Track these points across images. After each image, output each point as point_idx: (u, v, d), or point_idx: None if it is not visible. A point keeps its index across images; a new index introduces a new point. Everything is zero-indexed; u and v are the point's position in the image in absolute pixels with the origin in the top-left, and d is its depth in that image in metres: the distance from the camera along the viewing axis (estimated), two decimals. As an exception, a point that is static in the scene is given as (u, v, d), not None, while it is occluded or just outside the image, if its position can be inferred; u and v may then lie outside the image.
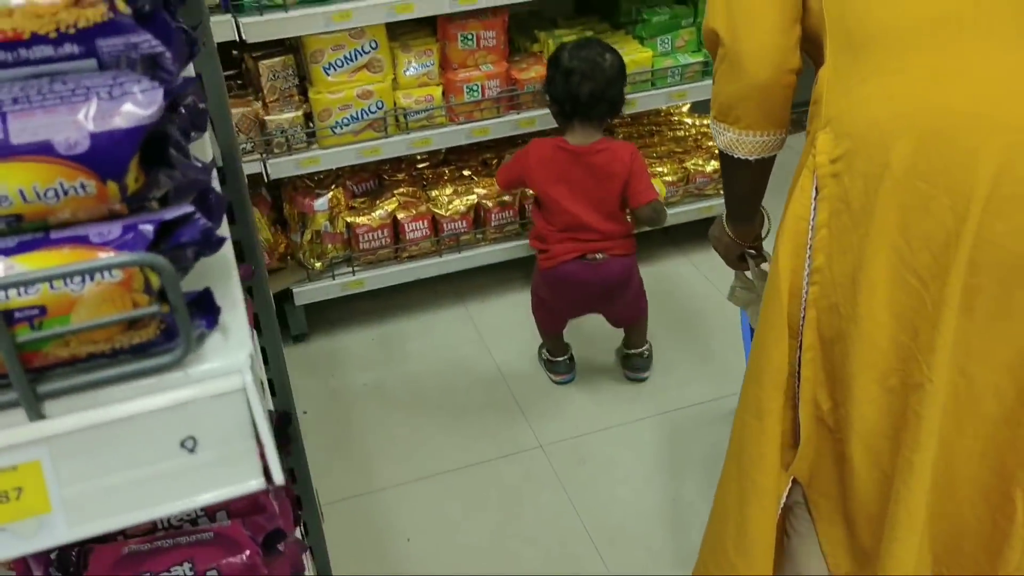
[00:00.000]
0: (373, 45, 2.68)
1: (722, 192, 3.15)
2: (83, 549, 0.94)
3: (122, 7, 0.65)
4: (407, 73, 2.76)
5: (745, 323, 2.33)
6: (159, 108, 0.63)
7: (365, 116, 2.74)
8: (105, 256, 0.62)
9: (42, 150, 0.61)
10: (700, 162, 3.12)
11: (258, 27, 2.48)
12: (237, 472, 0.67)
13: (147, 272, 0.63)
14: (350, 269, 2.94)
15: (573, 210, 2.49)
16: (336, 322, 3.07)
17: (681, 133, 3.31)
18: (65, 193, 0.62)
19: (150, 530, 0.99)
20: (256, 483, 0.67)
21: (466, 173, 3.10)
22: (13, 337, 0.61)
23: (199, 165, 0.71)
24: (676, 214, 3.13)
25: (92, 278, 0.62)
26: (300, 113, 2.73)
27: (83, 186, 0.62)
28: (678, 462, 2.49)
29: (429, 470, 2.50)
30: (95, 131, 0.62)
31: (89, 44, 0.65)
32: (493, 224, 3.00)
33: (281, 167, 2.72)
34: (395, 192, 2.98)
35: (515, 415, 2.67)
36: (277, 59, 2.71)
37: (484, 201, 2.97)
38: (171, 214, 0.65)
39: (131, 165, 0.63)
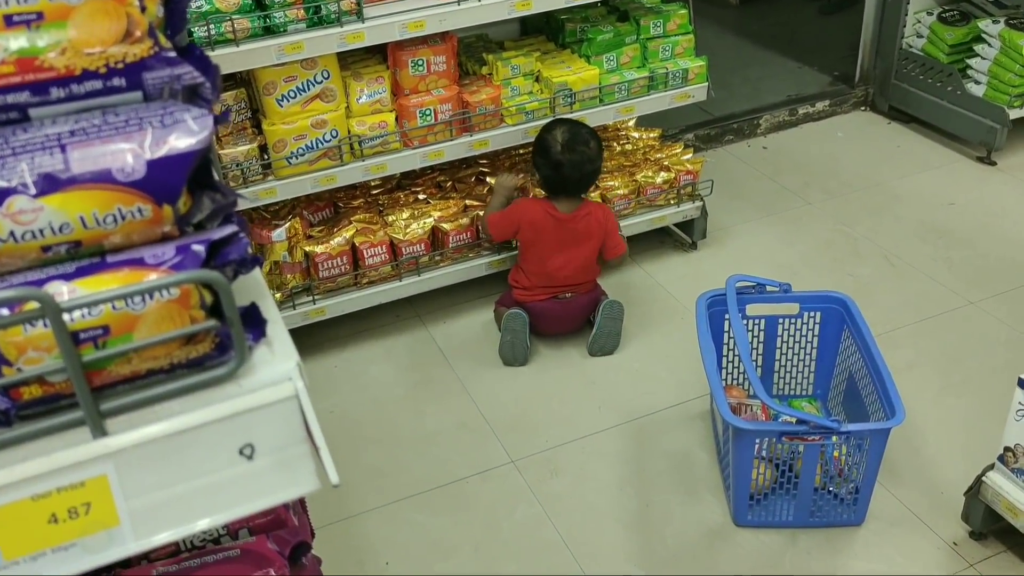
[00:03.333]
0: (325, 75, 2.71)
1: (672, 202, 3.26)
2: (110, 574, 0.96)
3: (164, 42, 0.69)
4: (360, 101, 2.80)
5: (703, 323, 2.41)
6: (210, 134, 0.67)
7: (320, 145, 2.77)
8: (164, 275, 0.66)
9: (102, 178, 0.64)
10: (650, 174, 3.22)
11: (211, 61, 2.50)
12: (294, 475, 0.70)
13: (201, 289, 0.67)
14: (310, 298, 2.95)
15: (554, 269, 2.90)
16: (299, 351, 3.06)
17: (629, 147, 3.41)
18: (123, 218, 0.66)
19: (174, 552, 1.00)
20: (313, 484, 0.71)
21: (421, 196, 3.15)
22: (79, 357, 0.64)
23: (232, 188, 0.74)
24: (628, 225, 3.22)
25: (152, 297, 0.65)
26: (254, 145, 2.74)
27: (140, 210, 0.66)
28: (648, 467, 2.55)
29: (403, 493, 2.52)
30: (152, 158, 0.65)
31: (136, 77, 0.69)
32: (451, 246, 3.05)
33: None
34: (352, 219, 3.01)
35: (485, 433, 2.71)
36: (229, 93, 2.73)
37: (441, 224, 3.02)
38: (219, 234, 0.69)
39: (183, 189, 0.66)
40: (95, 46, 0.67)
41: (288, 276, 2.91)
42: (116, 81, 0.68)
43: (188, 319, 0.67)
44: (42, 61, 0.65)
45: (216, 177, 0.71)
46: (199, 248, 0.68)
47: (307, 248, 2.90)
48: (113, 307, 0.65)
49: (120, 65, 0.68)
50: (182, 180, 0.67)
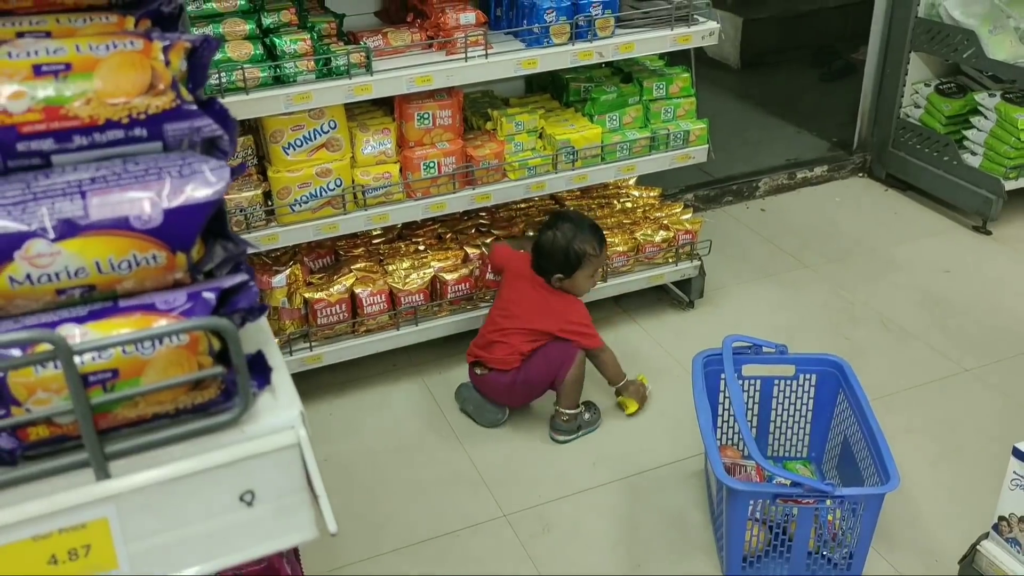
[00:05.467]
0: (332, 125, 2.76)
1: (670, 260, 3.29)
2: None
3: (186, 95, 0.71)
4: (365, 151, 2.84)
5: (699, 382, 2.42)
6: (226, 185, 0.68)
7: (324, 194, 2.80)
8: (175, 321, 0.67)
9: (119, 225, 0.66)
10: (649, 232, 3.25)
11: (220, 109, 2.53)
12: (293, 523, 0.70)
13: (210, 336, 0.68)
14: (308, 344, 2.96)
15: (505, 307, 2.87)
16: (294, 397, 3.06)
17: (629, 205, 3.44)
18: (137, 264, 0.67)
19: (166, 597, 1.00)
20: (311, 532, 0.71)
21: (421, 247, 3.17)
22: (88, 399, 0.65)
23: (244, 240, 0.76)
24: (626, 283, 3.25)
25: (162, 342, 0.66)
26: (259, 192, 2.77)
27: (155, 257, 0.67)
28: (641, 526, 2.53)
29: (393, 545, 2.49)
30: (169, 207, 0.67)
31: (157, 128, 0.71)
32: (450, 296, 3.06)
33: (241, 244, 2.74)
34: (352, 267, 3.03)
35: (477, 485, 2.69)
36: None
37: (441, 274, 3.04)
38: (229, 282, 0.70)
39: (198, 238, 0.68)
40: (119, 97, 0.69)
41: (286, 322, 2.92)
42: (137, 131, 0.71)
43: (196, 365, 0.68)
44: (67, 110, 0.67)
45: (229, 227, 0.72)
46: (210, 296, 0.69)
47: (306, 295, 2.92)
48: (123, 351, 0.66)
49: (142, 116, 0.70)
50: (197, 229, 0.68)
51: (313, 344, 2.96)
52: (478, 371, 2.88)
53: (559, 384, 2.79)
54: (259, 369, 0.75)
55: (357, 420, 2.98)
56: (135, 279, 0.69)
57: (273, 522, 0.71)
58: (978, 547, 2.19)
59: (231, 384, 0.71)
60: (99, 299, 0.69)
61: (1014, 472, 2.07)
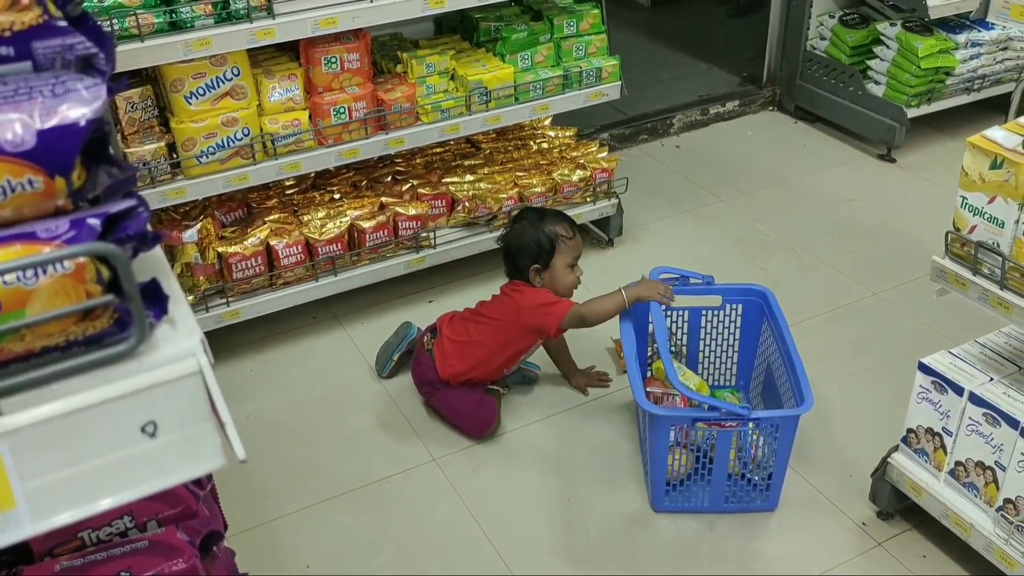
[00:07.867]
0: (235, 72, 2.67)
1: (588, 200, 3.30)
2: (12, 572, 0.92)
3: (54, 11, 0.67)
4: (272, 99, 2.76)
5: (625, 319, 2.45)
6: (103, 103, 0.65)
7: (231, 144, 2.72)
8: (58, 249, 0.64)
9: (-12, 148, 0.62)
10: (567, 172, 3.25)
11: (115, 58, 2.43)
12: (200, 452, 0.68)
13: (98, 264, 0.65)
14: (224, 300, 2.89)
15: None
16: (213, 355, 3.00)
17: (546, 145, 3.43)
18: (12, 190, 0.64)
19: (79, 547, 0.97)
20: (219, 460, 0.69)
21: (337, 196, 3.12)
22: (-32, 334, 0.62)
23: (131, 164, 0.73)
24: (545, 224, 3.24)
25: (45, 271, 0.63)
26: (163, 144, 2.67)
27: (31, 182, 0.64)
28: (569, 461, 2.57)
29: (324, 494, 2.48)
30: (42, 128, 0.63)
31: (24, 46, 0.66)
32: (368, 245, 3.02)
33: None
34: (266, 219, 2.96)
35: (405, 432, 2.69)
36: (134, 90, 2.66)
37: (358, 222, 2.99)
38: (116, 207, 0.67)
39: (76, 161, 0.64)
40: (-20, 13, 0.65)
41: (200, 278, 2.85)
42: (3, 50, 0.66)
43: (84, 294, 0.65)
44: (-77, 28, 0.63)
45: (113, 151, 0.69)
46: (94, 222, 0.66)
47: (220, 249, 2.84)
48: (4, 282, 0.63)
49: (7, 34, 0.66)
50: (75, 151, 0.65)
51: (230, 300, 2.90)
52: (426, 339, 2.73)
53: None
54: (155, 298, 0.72)
55: (281, 375, 2.94)
56: (12, 207, 0.65)
57: (178, 452, 0.69)
58: (889, 460, 2.28)
59: (125, 314, 0.68)
60: (-26, 230, 0.66)
61: (920, 386, 2.15)
